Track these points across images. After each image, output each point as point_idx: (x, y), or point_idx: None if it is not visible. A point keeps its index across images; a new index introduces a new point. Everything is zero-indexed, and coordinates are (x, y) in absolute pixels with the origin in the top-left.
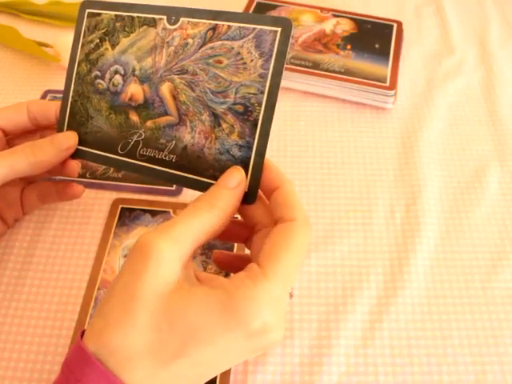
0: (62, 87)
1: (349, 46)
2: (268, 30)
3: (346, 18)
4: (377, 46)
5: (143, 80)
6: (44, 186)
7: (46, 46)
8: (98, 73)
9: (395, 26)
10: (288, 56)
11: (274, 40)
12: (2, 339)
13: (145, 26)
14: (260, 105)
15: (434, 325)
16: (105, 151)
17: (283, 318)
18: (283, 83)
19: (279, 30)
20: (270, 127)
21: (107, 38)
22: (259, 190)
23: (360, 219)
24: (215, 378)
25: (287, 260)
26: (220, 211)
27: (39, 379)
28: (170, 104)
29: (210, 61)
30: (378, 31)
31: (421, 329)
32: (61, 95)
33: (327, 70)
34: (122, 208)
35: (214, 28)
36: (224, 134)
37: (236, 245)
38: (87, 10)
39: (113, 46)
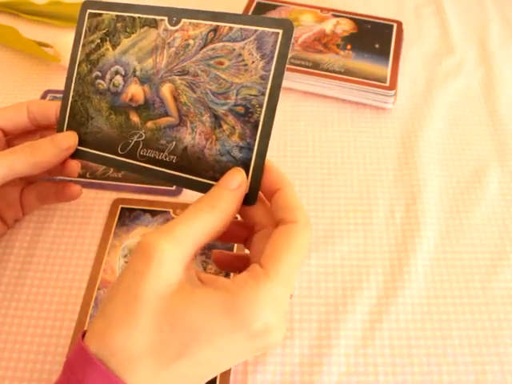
0: (62, 87)
1: (349, 46)
2: (269, 31)
3: (346, 17)
4: (377, 46)
5: (144, 81)
6: (43, 187)
7: (46, 45)
8: (99, 73)
9: (395, 25)
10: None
11: (276, 42)
12: (2, 339)
13: (146, 27)
14: (261, 106)
15: (434, 325)
16: (105, 151)
17: (284, 318)
18: (283, 83)
19: (281, 31)
20: (270, 129)
21: (108, 39)
22: (259, 191)
23: (360, 219)
24: (215, 377)
25: (289, 261)
26: (221, 212)
27: (39, 379)
28: (170, 105)
29: (211, 62)
30: (377, 31)
31: (421, 329)
32: (61, 95)
33: (327, 70)
34: (122, 208)
35: (216, 29)
36: (225, 135)
37: (236, 245)
38: (88, 10)
39: (114, 47)
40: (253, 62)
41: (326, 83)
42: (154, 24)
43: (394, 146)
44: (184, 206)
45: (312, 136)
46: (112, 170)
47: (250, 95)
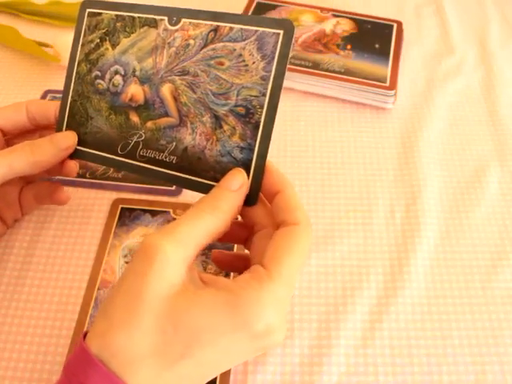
0: (62, 87)
1: (349, 46)
2: (270, 32)
3: (346, 17)
4: (377, 46)
5: (144, 81)
6: (41, 187)
7: (46, 45)
8: (98, 73)
9: (395, 26)
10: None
11: (277, 42)
12: (2, 339)
13: (146, 27)
14: (262, 107)
15: (434, 325)
16: (104, 152)
17: (286, 318)
18: (283, 83)
19: (281, 32)
20: (271, 130)
21: (107, 38)
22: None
23: (360, 219)
24: (215, 377)
25: (291, 262)
26: (223, 213)
27: (39, 379)
28: (170, 105)
29: (212, 62)
30: (378, 31)
31: (421, 329)
32: (61, 95)
33: (327, 70)
34: (121, 208)
35: (216, 29)
36: (225, 135)
37: (236, 245)
38: (87, 10)
39: (113, 46)
40: (253, 63)
41: (326, 83)
42: (153, 24)
43: (394, 146)
44: (184, 206)
45: (312, 136)
46: (112, 170)
47: (251, 96)
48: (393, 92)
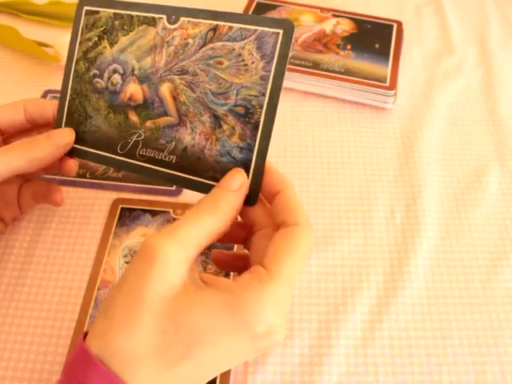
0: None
1: (349, 46)
2: (270, 31)
3: (346, 17)
4: (377, 46)
5: (142, 80)
6: (38, 186)
7: (46, 45)
8: (97, 71)
9: (395, 26)
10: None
11: (276, 42)
12: (2, 339)
13: (144, 25)
14: (261, 107)
15: (434, 325)
16: (104, 151)
17: (286, 319)
18: (283, 83)
19: (281, 31)
20: (271, 130)
21: (106, 37)
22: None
23: (360, 219)
24: (215, 377)
25: (292, 263)
26: (223, 214)
27: (39, 379)
28: (169, 104)
29: (211, 62)
30: (378, 31)
31: (421, 329)
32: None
33: (327, 70)
34: (122, 208)
35: (215, 28)
36: (225, 135)
37: (236, 245)
38: (85, 8)
39: (111, 45)
40: (253, 62)
41: (326, 83)
42: (152, 22)
43: (394, 146)
44: (184, 206)
45: (312, 136)
46: (112, 169)
47: (250, 96)
48: (393, 92)
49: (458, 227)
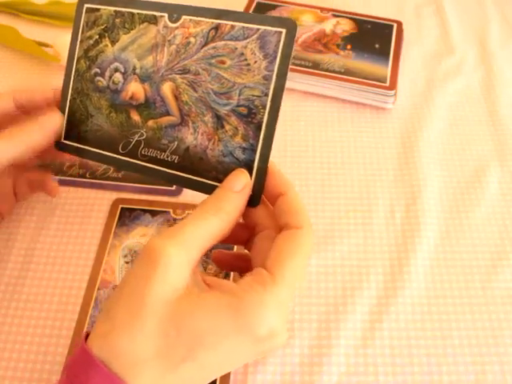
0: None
1: (349, 46)
2: (272, 30)
3: (346, 17)
4: (377, 46)
5: (144, 79)
6: (33, 175)
7: (46, 45)
8: (98, 70)
9: (395, 26)
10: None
11: (279, 41)
12: (2, 339)
13: (145, 23)
14: (264, 107)
15: (434, 325)
16: (105, 150)
17: (287, 321)
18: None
19: (284, 31)
20: (274, 130)
21: (107, 35)
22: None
23: (360, 219)
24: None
25: (294, 266)
26: (227, 215)
27: (39, 379)
28: (171, 104)
29: (213, 61)
30: (378, 31)
31: (421, 329)
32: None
33: (327, 70)
34: (122, 208)
35: (217, 27)
36: (227, 135)
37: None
38: (85, 5)
39: (112, 43)
40: (255, 62)
41: (326, 83)
42: (153, 20)
43: (394, 146)
44: (184, 206)
45: (312, 136)
46: (112, 169)
47: (253, 96)
48: (393, 92)
49: (458, 227)
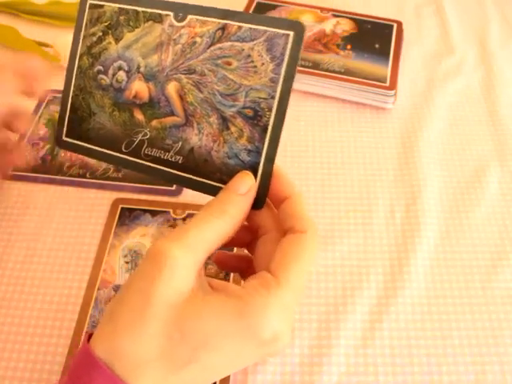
0: (62, 87)
1: (349, 46)
2: (280, 33)
3: (346, 17)
4: (377, 46)
5: (148, 78)
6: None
7: (46, 45)
8: (101, 68)
9: (395, 25)
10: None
11: (286, 44)
12: (2, 339)
13: (150, 22)
14: (270, 110)
15: (434, 325)
16: (108, 149)
17: (291, 325)
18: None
19: (291, 33)
20: (280, 133)
21: (110, 32)
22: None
23: (360, 219)
24: None
25: (299, 270)
26: (231, 218)
27: (39, 379)
28: (176, 104)
29: (219, 62)
30: (378, 31)
31: (421, 329)
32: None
33: (327, 70)
34: (122, 208)
35: (224, 28)
36: (233, 137)
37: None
38: (89, 1)
39: (116, 41)
40: (262, 64)
41: (326, 83)
42: (158, 19)
43: (394, 146)
44: (184, 206)
45: (312, 136)
46: (112, 169)
47: (260, 98)
48: (393, 92)
49: (458, 227)
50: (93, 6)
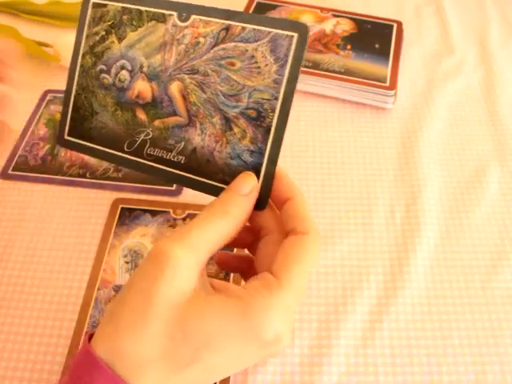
0: (62, 87)
1: (349, 46)
2: (284, 34)
3: (346, 17)
4: (377, 46)
5: (151, 77)
6: None
7: (46, 45)
8: (104, 67)
9: (395, 26)
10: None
11: (290, 45)
12: (2, 339)
13: (153, 21)
14: (273, 111)
15: (434, 325)
16: (110, 148)
17: (292, 326)
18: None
19: (295, 35)
20: (283, 134)
21: (113, 31)
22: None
23: (360, 219)
24: None
25: (301, 271)
26: (234, 218)
27: (39, 379)
28: (179, 104)
29: (223, 62)
30: (378, 31)
31: (421, 329)
32: (61, 95)
33: (327, 70)
34: (122, 208)
35: (227, 28)
36: (235, 138)
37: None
38: (92, 0)
39: (119, 40)
40: (266, 65)
41: (326, 83)
42: (162, 19)
43: (394, 146)
44: (184, 206)
45: (312, 136)
46: (112, 169)
47: (263, 99)
48: (393, 92)
49: (458, 227)
50: (96, 5)
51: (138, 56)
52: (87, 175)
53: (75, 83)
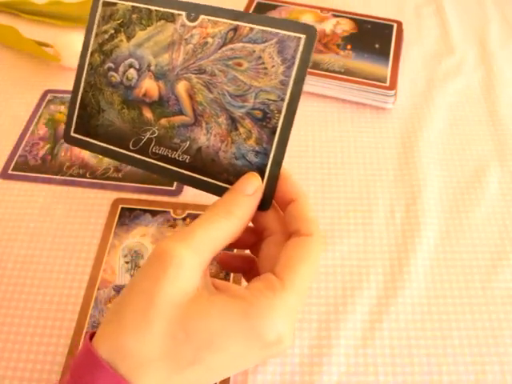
0: (62, 87)
1: (349, 46)
2: (292, 36)
3: (346, 17)
4: (377, 46)
5: (159, 76)
6: None
7: (46, 45)
8: (112, 65)
9: (395, 25)
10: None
11: (298, 47)
12: (2, 339)
13: (162, 21)
14: (279, 112)
15: (434, 325)
16: (116, 146)
17: (294, 327)
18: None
19: (303, 37)
20: (288, 135)
21: (122, 30)
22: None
23: (360, 219)
24: None
25: (304, 273)
26: (237, 219)
27: (39, 379)
28: (185, 103)
29: (230, 63)
30: (378, 31)
31: (421, 329)
32: (61, 95)
33: (327, 70)
34: (122, 208)
35: (236, 29)
36: (241, 138)
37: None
38: None
39: (128, 39)
40: (273, 66)
41: (326, 83)
42: (171, 18)
43: (394, 146)
44: (184, 206)
45: (312, 136)
46: (112, 169)
47: (269, 100)
48: (393, 92)
49: (458, 227)
50: (106, 4)
51: (146, 55)
52: (87, 175)
53: (83, 81)
